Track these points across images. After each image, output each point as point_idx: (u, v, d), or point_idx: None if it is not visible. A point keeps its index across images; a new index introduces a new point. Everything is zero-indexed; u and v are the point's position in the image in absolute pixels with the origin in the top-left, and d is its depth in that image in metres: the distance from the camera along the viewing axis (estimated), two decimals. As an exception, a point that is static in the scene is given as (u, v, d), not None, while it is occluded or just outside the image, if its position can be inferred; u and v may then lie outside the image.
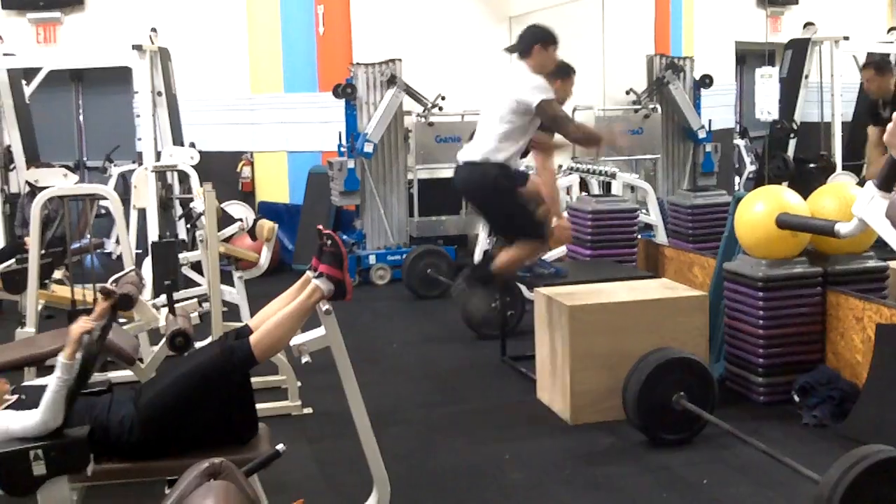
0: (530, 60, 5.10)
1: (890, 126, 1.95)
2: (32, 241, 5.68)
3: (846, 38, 8.95)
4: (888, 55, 8.22)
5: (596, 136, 5.50)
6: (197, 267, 6.94)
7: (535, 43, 5.11)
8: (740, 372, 5.33)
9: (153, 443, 3.35)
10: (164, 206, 8.44)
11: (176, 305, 4.78)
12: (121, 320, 5.16)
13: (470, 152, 5.20)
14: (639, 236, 7.06)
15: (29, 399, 3.22)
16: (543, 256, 6.52)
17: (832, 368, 5.11)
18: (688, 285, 5.80)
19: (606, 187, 8.02)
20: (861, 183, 7.25)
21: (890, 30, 9.72)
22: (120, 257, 6.20)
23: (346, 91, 8.87)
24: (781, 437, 4.66)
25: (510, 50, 5.32)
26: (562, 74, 5.61)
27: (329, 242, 3.66)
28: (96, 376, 4.66)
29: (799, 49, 9.13)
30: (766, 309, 5.13)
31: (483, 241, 8.21)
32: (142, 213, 7.73)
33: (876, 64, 6.82)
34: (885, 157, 2.02)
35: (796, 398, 5.01)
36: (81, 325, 3.32)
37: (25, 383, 3.54)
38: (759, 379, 5.17)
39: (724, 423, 4.45)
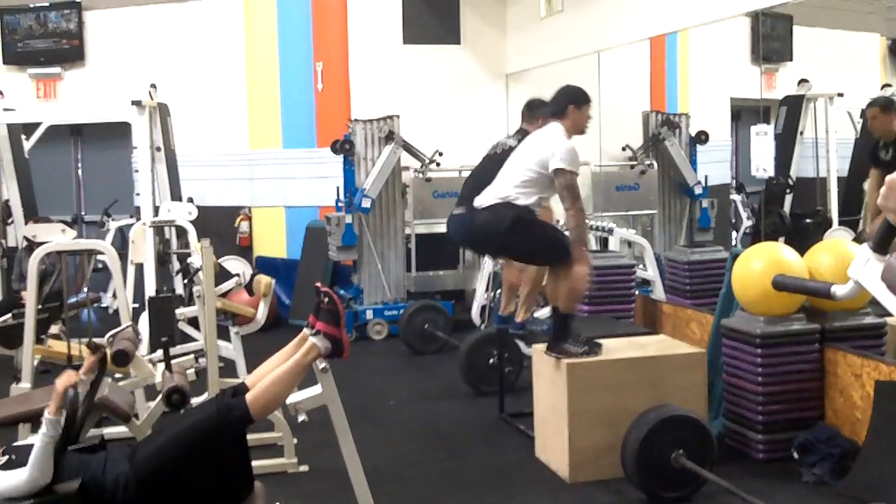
0: (565, 121, 5.10)
1: (883, 189, 1.95)
2: (29, 296, 5.66)
3: (840, 95, 9.02)
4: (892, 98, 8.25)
5: (583, 237, 5.27)
6: (194, 322, 6.92)
7: (570, 103, 5.12)
8: (739, 429, 5.30)
9: (148, 501, 3.31)
10: (162, 261, 8.43)
11: (172, 361, 4.77)
12: (116, 376, 5.14)
13: (490, 196, 5.15)
14: (636, 292, 7.06)
15: (18, 459, 3.20)
16: (537, 314, 6.52)
17: (831, 426, 5.08)
18: (686, 341, 5.80)
19: (604, 243, 8.03)
20: (858, 238, 7.27)
21: (884, 86, 9.80)
22: (117, 312, 6.18)
23: (344, 147, 8.93)
24: (781, 495, 4.63)
25: (545, 113, 5.29)
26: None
27: (326, 300, 3.66)
28: (92, 432, 4.66)
29: (794, 105, 9.19)
30: (765, 366, 5.12)
31: (480, 297, 8.23)
32: (139, 267, 7.73)
33: (882, 102, 6.79)
34: (880, 219, 2.02)
35: (796, 455, 4.97)
36: (66, 379, 3.30)
37: (15, 443, 3.51)
38: (759, 436, 5.14)
39: (723, 480, 4.42)
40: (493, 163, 5.89)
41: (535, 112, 6.06)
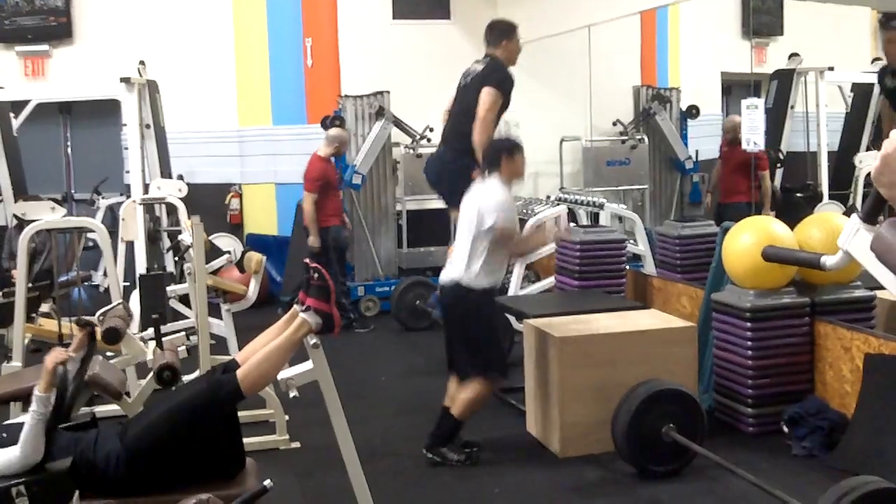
0: (500, 172, 5.00)
1: (877, 164, 1.95)
2: (19, 274, 5.65)
3: (831, 69, 9.02)
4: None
5: (540, 242, 6.00)
6: (185, 300, 6.91)
7: (501, 155, 5.02)
8: (729, 403, 5.32)
9: (139, 478, 3.32)
10: (152, 238, 8.41)
11: (163, 339, 4.76)
12: (108, 354, 5.13)
13: (453, 271, 4.99)
14: (627, 267, 7.07)
15: (9, 437, 3.19)
16: (528, 288, 6.51)
17: (821, 399, 5.11)
18: (676, 316, 5.81)
19: (594, 218, 8.04)
20: (848, 212, 7.29)
21: (874, 60, 9.79)
22: (107, 290, 6.18)
23: (334, 123, 8.89)
24: (771, 468, 4.65)
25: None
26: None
27: (316, 276, 3.65)
28: (83, 410, 4.66)
29: (784, 80, 9.19)
30: (754, 339, 5.14)
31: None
32: (130, 245, 7.71)
33: None
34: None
35: (785, 429, 5.00)
36: (55, 356, 3.30)
37: (6, 422, 3.51)
38: (748, 410, 5.17)
39: (713, 454, 4.44)
40: (461, 94, 5.94)
41: (497, 35, 5.98)
